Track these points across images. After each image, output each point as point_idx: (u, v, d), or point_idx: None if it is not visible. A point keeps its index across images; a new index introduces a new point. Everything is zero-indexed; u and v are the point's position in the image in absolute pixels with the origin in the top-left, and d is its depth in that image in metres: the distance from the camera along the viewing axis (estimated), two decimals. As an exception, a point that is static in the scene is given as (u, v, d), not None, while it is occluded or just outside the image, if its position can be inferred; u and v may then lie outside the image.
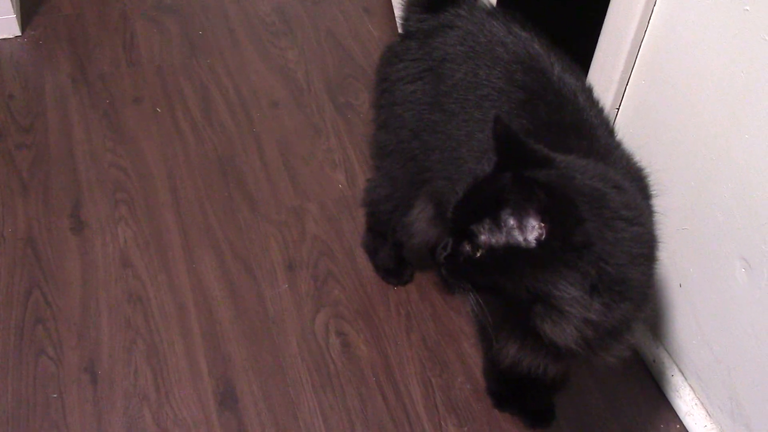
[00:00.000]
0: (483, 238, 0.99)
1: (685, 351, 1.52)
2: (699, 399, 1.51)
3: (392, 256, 1.68)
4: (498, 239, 0.98)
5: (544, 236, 0.95)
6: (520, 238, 0.97)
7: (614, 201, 0.99)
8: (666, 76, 1.39)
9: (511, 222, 0.97)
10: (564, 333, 1.00)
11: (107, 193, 1.87)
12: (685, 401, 1.52)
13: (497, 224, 0.98)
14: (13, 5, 2.22)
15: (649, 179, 1.20)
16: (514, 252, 0.97)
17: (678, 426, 1.53)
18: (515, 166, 0.99)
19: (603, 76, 1.51)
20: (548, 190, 0.92)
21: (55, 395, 1.49)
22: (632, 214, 1.01)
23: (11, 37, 2.27)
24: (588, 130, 1.18)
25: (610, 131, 1.23)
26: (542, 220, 0.94)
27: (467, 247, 1.01)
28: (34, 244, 1.74)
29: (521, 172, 0.94)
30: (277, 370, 1.56)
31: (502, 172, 1.01)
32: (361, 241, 1.76)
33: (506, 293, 1.00)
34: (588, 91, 1.24)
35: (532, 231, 0.95)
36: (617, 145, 1.21)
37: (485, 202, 1.00)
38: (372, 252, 1.72)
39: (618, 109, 1.54)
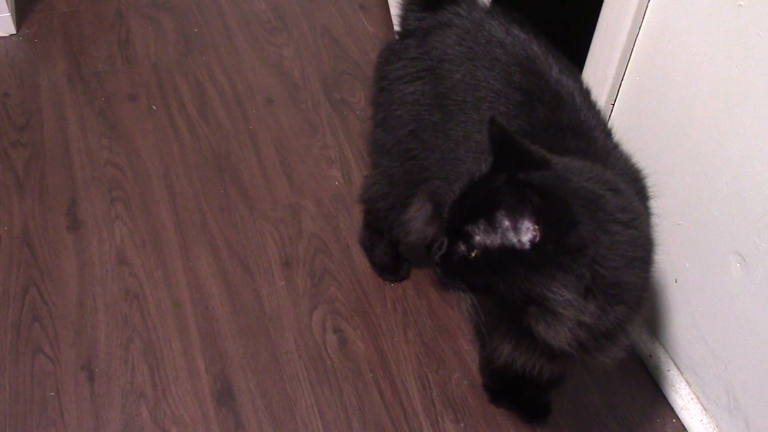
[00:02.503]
0: (478, 238, 0.99)
1: (681, 346, 1.52)
2: (695, 394, 1.51)
3: (389, 253, 1.68)
4: (492, 240, 0.98)
5: (538, 238, 0.95)
6: (515, 240, 0.97)
7: (610, 204, 0.99)
8: (661, 72, 1.39)
9: (506, 223, 0.97)
10: (558, 335, 1.00)
11: (103, 190, 1.87)
12: (681, 396, 1.53)
13: (492, 225, 0.98)
14: (8, 3, 2.21)
15: (647, 180, 1.20)
16: (508, 253, 0.97)
17: (674, 421, 1.54)
18: (511, 167, 0.99)
19: (598, 72, 1.52)
20: (542, 192, 0.92)
21: (52, 393, 1.49)
22: (628, 217, 1.01)
23: (6, 35, 2.26)
24: (586, 131, 1.18)
25: (608, 132, 1.23)
26: (536, 223, 0.94)
27: (462, 247, 1.01)
28: (30, 242, 1.74)
29: (516, 173, 0.94)
30: (274, 367, 1.56)
31: (497, 173, 1.01)
32: (357, 238, 1.76)
33: (500, 294, 1.01)
34: (586, 93, 1.24)
35: (526, 233, 0.96)
36: (615, 146, 1.21)
37: (481, 203, 1.00)
38: (368, 249, 1.72)
39: (613, 104, 1.54)
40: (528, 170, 0.99)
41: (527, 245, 0.96)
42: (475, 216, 0.99)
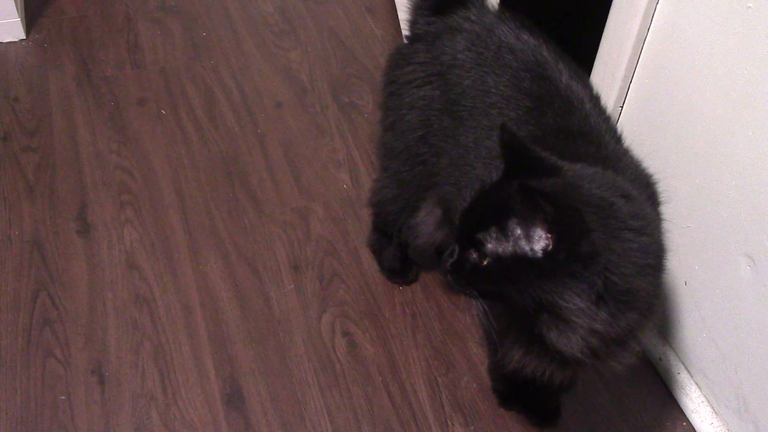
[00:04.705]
0: (489, 246, 0.99)
1: (691, 348, 1.52)
2: (705, 396, 1.51)
3: (397, 256, 1.68)
4: (504, 248, 0.98)
5: (550, 247, 0.95)
6: (527, 248, 0.96)
7: (622, 211, 0.99)
8: (669, 74, 1.39)
9: (518, 231, 0.96)
10: (570, 342, 1.00)
11: (113, 195, 1.87)
12: (692, 399, 1.53)
13: (504, 233, 0.97)
14: (17, 8, 2.23)
15: (657, 186, 1.19)
16: (520, 261, 0.97)
17: (684, 424, 1.53)
18: (522, 174, 0.99)
19: (606, 75, 1.51)
20: (554, 200, 0.92)
21: (63, 397, 1.50)
22: (640, 224, 1.00)
23: (16, 40, 2.28)
24: (596, 136, 1.18)
25: (618, 138, 1.23)
26: (548, 231, 0.94)
27: (473, 255, 1.01)
28: (40, 247, 1.75)
29: (528, 181, 0.94)
30: (283, 371, 1.56)
31: (509, 180, 1.00)
32: (366, 241, 1.76)
33: (512, 301, 1.00)
34: (596, 99, 1.24)
35: (539, 241, 0.95)
36: (625, 152, 1.21)
37: (492, 210, 1.00)
38: (377, 252, 1.72)
39: (621, 107, 1.54)
40: (539, 177, 0.99)
41: (539, 253, 0.95)
42: (487, 224, 0.99)
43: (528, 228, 0.96)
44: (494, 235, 0.98)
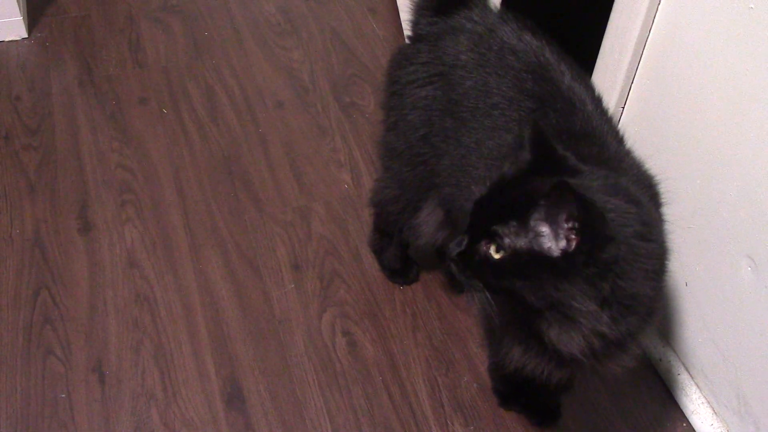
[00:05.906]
0: (507, 240, 0.97)
1: (691, 349, 1.52)
2: (705, 397, 1.51)
3: (398, 256, 1.68)
4: (522, 243, 0.96)
5: (572, 248, 0.93)
6: (545, 246, 0.95)
7: (633, 218, 0.99)
8: (671, 75, 1.39)
9: (541, 228, 0.95)
10: (571, 341, 1.00)
11: (114, 193, 1.88)
12: (692, 400, 1.53)
13: (524, 228, 0.95)
14: (19, 7, 2.23)
15: (659, 187, 1.19)
16: (536, 259, 0.95)
17: (684, 425, 1.53)
18: (546, 171, 0.98)
19: (608, 76, 1.51)
20: (586, 203, 0.91)
21: (63, 395, 1.50)
22: (647, 230, 1.00)
23: (18, 39, 2.28)
24: (598, 138, 1.18)
25: (620, 139, 1.23)
26: (575, 233, 0.93)
27: (485, 247, 0.99)
28: (41, 245, 1.75)
29: (566, 179, 0.92)
30: (283, 370, 1.56)
31: (533, 176, 0.99)
32: (367, 241, 1.77)
33: (517, 296, 0.99)
34: (598, 100, 1.24)
35: (561, 241, 0.94)
36: (627, 153, 1.21)
37: (513, 204, 0.98)
38: (378, 251, 1.72)
39: (623, 108, 1.54)
40: (561, 176, 0.97)
41: (557, 252, 0.94)
42: (506, 217, 0.97)
43: (554, 226, 0.94)
44: (513, 229, 0.96)
